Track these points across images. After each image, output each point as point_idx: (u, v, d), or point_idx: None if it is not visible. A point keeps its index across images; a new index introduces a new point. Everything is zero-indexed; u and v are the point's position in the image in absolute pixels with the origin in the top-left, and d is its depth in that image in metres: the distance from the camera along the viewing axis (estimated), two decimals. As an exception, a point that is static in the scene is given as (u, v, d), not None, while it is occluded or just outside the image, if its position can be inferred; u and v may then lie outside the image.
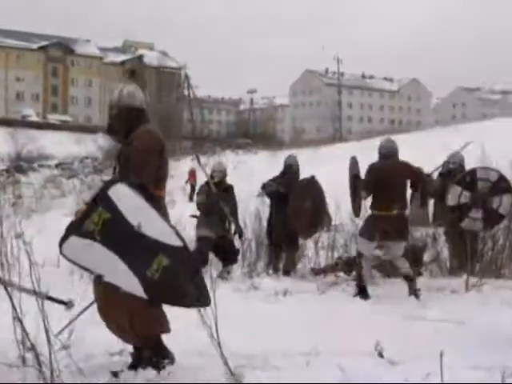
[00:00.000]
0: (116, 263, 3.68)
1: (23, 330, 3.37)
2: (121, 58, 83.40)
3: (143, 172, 3.97)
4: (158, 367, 3.95)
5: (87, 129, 59.57)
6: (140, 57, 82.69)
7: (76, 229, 3.76)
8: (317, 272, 8.74)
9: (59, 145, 46.21)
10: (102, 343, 4.53)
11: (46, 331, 3.57)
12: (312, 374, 4.09)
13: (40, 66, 77.00)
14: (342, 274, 8.35)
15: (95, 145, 43.47)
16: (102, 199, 3.80)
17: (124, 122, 4.25)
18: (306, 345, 4.64)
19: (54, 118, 69.97)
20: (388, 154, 7.39)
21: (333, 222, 9.57)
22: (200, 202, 9.32)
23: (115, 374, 4.02)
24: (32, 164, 37.24)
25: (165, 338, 4.16)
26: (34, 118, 66.30)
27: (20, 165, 36.83)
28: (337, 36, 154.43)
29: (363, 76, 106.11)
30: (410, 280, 7.25)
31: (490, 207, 8.00)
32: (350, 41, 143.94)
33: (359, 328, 5.55)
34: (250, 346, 4.68)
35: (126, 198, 3.77)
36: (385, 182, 7.16)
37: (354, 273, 8.28)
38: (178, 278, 3.67)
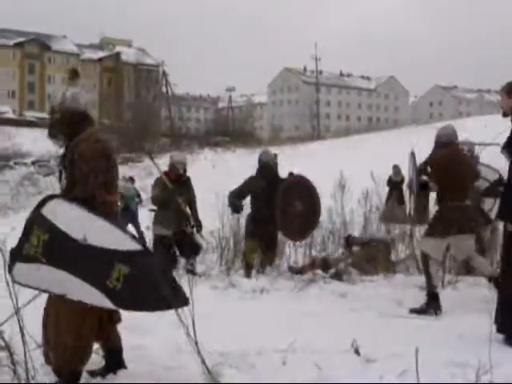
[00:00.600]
0: (71, 281, 3.55)
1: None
2: (98, 54, 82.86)
3: (89, 180, 3.80)
4: None
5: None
6: (118, 54, 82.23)
7: (18, 255, 3.64)
8: (295, 270, 8.75)
9: (36, 142, 45.77)
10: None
11: (21, 329, 3.54)
12: (288, 372, 4.10)
13: (16, 62, 76.22)
14: (319, 271, 8.36)
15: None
16: (36, 220, 3.67)
17: (68, 126, 4.03)
18: (283, 342, 4.64)
19: (30, 115, 69.31)
20: (448, 141, 6.79)
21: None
22: (155, 196, 8.98)
23: (92, 374, 4.00)
24: (8, 162, 36.82)
25: (142, 335, 4.15)
26: (11, 115, 65.62)
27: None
28: (315, 33, 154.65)
29: (341, 74, 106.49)
30: (495, 280, 6.40)
31: (480, 207, 7.83)
32: (328, 37, 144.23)
33: (336, 326, 5.58)
34: (227, 344, 4.68)
35: (63, 214, 3.64)
36: (454, 170, 6.60)
37: (331, 271, 8.30)
38: (144, 282, 3.52)
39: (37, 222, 3.65)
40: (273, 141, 53.38)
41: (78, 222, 3.60)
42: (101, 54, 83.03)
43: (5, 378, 3.67)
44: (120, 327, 4.17)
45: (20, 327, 3.43)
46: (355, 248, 9.20)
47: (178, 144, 44.42)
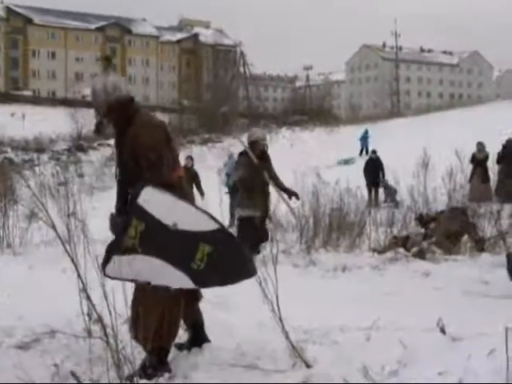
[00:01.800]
0: (160, 266, 3.64)
1: (90, 302, 3.45)
2: (177, 36, 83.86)
3: (161, 166, 3.81)
4: (149, 378, 3.71)
5: (145, 108, 60.11)
6: (196, 35, 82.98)
7: (116, 249, 3.72)
8: (379, 249, 8.64)
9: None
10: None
11: (110, 304, 3.66)
12: (372, 349, 4.08)
13: (98, 46, 78.12)
14: (401, 250, 8.25)
15: (153, 123, 43.87)
16: (134, 211, 3.73)
17: (117, 117, 3.96)
18: (366, 320, 4.62)
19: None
20: None
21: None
22: (242, 177, 8.40)
23: (179, 347, 4.10)
24: (92, 143, 37.91)
25: (226, 311, 4.21)
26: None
27: (81, 144, 37.57)
28: (394, 9, 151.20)
29: (422, 50, 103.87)
30: None
31: None
32: (408, 14, 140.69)
33: (420, 304, 5.50)
34: (310, 320, 4.71)
35: (155, 201, 3.69)
36: None
37: (413, 249, 8.18)
38: (224, 258, 3.61)
39: (134, 212, 3.72)
40: (351, 119, 52.78)
41: (167, 208, 3.66)
42: (179, 36, 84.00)
43: (97, 349, 3.82)
44: (203, 302, 4.25)
45: (107, 303, 3.52)
46: (432, 225, 9.04)
47: (256, 124, 44.53)
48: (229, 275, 3.66)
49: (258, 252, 8.19)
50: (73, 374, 2.90)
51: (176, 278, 3.63)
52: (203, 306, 4.31)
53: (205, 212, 3.73)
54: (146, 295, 3.74)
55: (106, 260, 3.73)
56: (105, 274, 3.71)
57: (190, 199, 3.97)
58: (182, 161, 13.32)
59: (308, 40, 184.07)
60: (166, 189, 3.73)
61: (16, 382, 3.39)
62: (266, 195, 8.49)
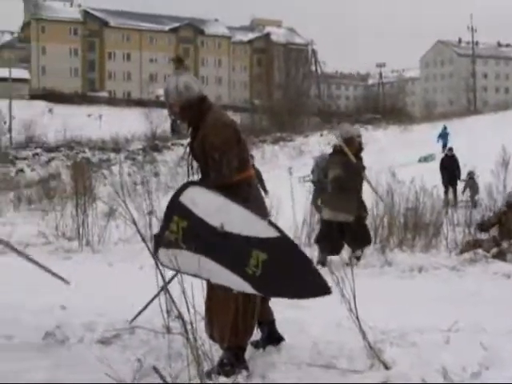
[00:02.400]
0: (212, 266, 3.60)
1: (170, 298, 3.50)
2: (248, 36, 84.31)
3: (223, 166, 3.79)
4: (227, 375, 3.68)
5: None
6: (267, 34, 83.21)
7: (160, 241, 3.75)
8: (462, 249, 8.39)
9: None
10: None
11: (189, 301, 3.71)
12: (452, 351, 3.99)
13: (171, 47, 79.38)
14: (480, 251, 8.03)
15: (225, 123, 44.24)
16: (175, 208, 3.71)
17: (190, 116, 4.00)
18: (445, 322, 4.53)
19: (185, 98, 72.03)
20: None
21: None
22: (338, 175, 7.89)
23: (256, 345, 4.12)
24: (166, 143, 38.55)
25: (299, 309, 4.19)
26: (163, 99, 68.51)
27: (156, 144, 38.25)
28: (469, 4, 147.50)
29: (499, 45, 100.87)
30: None
31: None
32: (484, 8, 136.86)
33: (501, 306, 5.36)
34: (387, 321, 4.64)
35: (201, 201, 3.66)
36: None
37: (493, 250, 7.95)
38: (283, 269, 3.49)
39: (176, 209, 3.70)
40: (425, 116, 51.77)
41: (215, 209, 3.62)
42: (251, 36, 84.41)
43: (177, 344, 3.89)
44: (275, 300, 4.24)
45: (185, 299, 3.57)
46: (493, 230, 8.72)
47: (328, 122, 44.31)
48: (299, 289, 3.53)
49: (358, 258, 7.90)
50: (155, 369, 2.95)
51: (233, 281, 3.58)
52: (275, 304, 4.31)
53: (264, 218, 3.66)
54: (218, 293, 3.75)
55: (155, 251, 3.78)
56: (162, 265, 3.76)
57: (257, 202, 3.92)
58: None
59: (380, 37, 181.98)
60: (226, 190, 3.70)
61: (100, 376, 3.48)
62: (360, 195, 8.18)
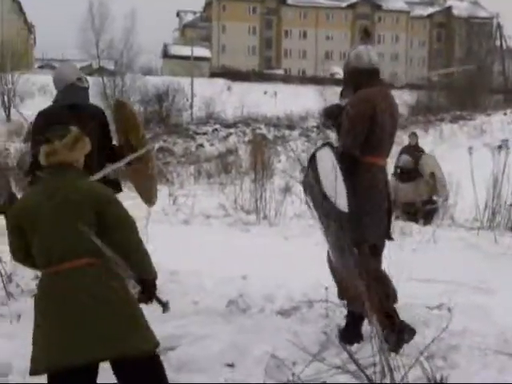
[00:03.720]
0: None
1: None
2: (428, 10, 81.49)
3: (348, 137, 3.97)
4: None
5: (392, 85, 59.89)
6: (449, 8, 79.91)
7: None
8: None
9: (366, 101, 47.01)
10: (422, 296, 4.57)
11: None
12: None
13: (348, 23, 78.70)
14: None
15: (401, 100, 43.27)
16: (311, 159, 4.01)
17: (351, 85, 4.23)
18: None
19: (360, 75, 71.39)
20: None
21: None
22: None
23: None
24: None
25: (489, 297, 4.02)
26: (342, 76, 68.34)
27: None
28: None
29: None
30: None
31: None
32: None
33: None
34: None
35: (325, 161, 3.91)
36: None
37: None
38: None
39: (311, 161, 4.01)
40: None
41: (328, 172, 3.85)
42: (431, 10, 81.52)
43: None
44: (461, 285, 4.10)
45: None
46: None
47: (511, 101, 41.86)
48: None
49: None
50: (341, 343, 2.99)
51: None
52: (459, 287, 4.19)
53: (348, 193, 3.78)
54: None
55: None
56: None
57: (372, 194, 3.96)
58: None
59: None
60: (345, 160, 3.86)
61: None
62: None
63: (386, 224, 4.03)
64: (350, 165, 3.87)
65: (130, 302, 2.94)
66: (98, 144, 4.50)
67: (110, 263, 2.91)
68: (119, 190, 4.99)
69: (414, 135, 14.92)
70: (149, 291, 3.02)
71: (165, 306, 3.10)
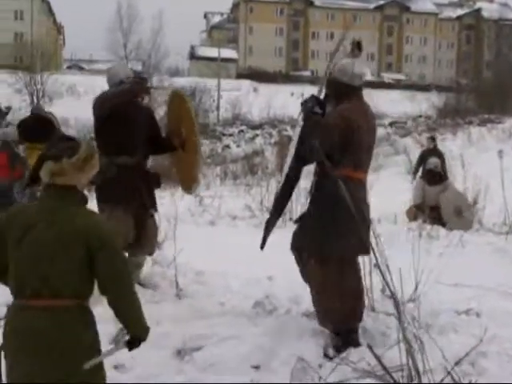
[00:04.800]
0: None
1: (383, 278, 3.50)
2: (457, 12, 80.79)
3: (321, 147, 3.96)
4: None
5: (421, 87, 59.55)
6: (478, 10, 79.13)
7: None
8: None
9: (393, 103, 46.91)
10: (449, 301, 4.53)
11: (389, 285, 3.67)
12: None
13: (375, 25, 78.34)
14: None
15: (429, 103, 43.06)
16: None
17: (332, 96, 4.28)
18: None
19: (388, 76, 71.06)
20: None
21: None
22: None
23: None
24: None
25: None
26: (369, 78, 68.13)
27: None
28: None
29: None
30: None
31: None
32: None
33: None
34: None
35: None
36: None
37: None
38: None
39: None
40: None
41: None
42: (460, 12, 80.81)
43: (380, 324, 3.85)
44: (488, 290, 4.05)
45: (386, 282, 3.51)
46: None
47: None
48: None
49: None
50: (369, 347, 2.98)
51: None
52: (488, 293, 4.13)
53: None
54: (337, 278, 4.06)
55: None
56: None
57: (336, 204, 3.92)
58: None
59: None
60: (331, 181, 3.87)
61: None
62: None
63: (359, 237, 3.85)
64: (325, 176, 3.96)
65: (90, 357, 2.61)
66: (145, 134, 5.07)
67: (87, 308, 2.69)
68: (158, 185, 5.22)
69: (431, 139, 14.92)
70: (136, 346, 2.69)
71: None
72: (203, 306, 4.77)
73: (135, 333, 2.67)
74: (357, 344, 3.76)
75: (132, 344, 2.67)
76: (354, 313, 3.95)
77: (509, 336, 3.95)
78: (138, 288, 4.97)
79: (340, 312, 3.88)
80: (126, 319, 2.66)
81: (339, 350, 3.74)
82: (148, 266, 5.51)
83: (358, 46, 4.41)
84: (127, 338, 2.67)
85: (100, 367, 2.67)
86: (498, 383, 3.41)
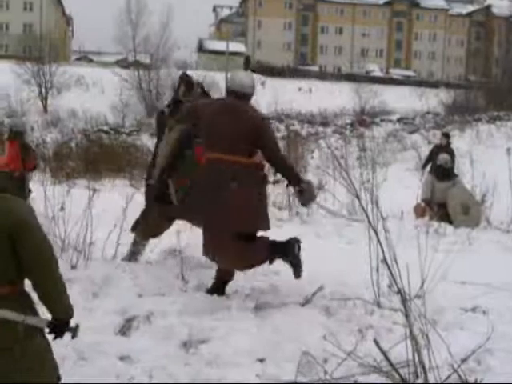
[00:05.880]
0: None
1: (390, 274, 3.49)
2: (467, 8, 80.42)
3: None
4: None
5: (429, 83, 59.37)
6: (488, 7, 78.76)
7: None
8: None
9: (401, 100, 46.77)
10: (456, 298, 4.51)
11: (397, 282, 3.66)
12: None
13: (385, 21, 78.06)
14: None
15: (437, 99, 42.93)
16: None
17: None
18: None
19: (396, 72, 70.80)
20: None
21: None
22: None
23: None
24: (375, 118, 38.24)
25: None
26: (378, 73, 67.87)
27: (364, 119, 38.11)
28: None
29: None
30: None
31: None
32: None
33: None
34: None
35: None
36: None
37: None
38: None
39: None
40: None
41: None
42: (470, 9, 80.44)
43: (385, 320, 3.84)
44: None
45: (392, 278, 3.50)
46: None
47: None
48: None
49: None
50: (376, 342, 2.97)
51: None
52: (495, 291, 4.08)
53: None
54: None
55: None
56: None
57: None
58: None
59: None
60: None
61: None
62: None
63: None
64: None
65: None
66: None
67: (25, 292, 2.71)
68: None
69: (444, 136, 14.74)
70: (60, 331, 2.70)
71: (74, 331, 2.74)
72: (209, 299, 4.77)
73: (57, 314, 2.67)
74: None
75: (54, 326, 2.67)
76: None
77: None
78: (145, 279, 5.00)
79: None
80: (47, 300, 2.66)
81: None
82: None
83: (246, 61, 4.87)
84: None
85: (33, 334, 2.67)
86: (503, 382, 3.40)
